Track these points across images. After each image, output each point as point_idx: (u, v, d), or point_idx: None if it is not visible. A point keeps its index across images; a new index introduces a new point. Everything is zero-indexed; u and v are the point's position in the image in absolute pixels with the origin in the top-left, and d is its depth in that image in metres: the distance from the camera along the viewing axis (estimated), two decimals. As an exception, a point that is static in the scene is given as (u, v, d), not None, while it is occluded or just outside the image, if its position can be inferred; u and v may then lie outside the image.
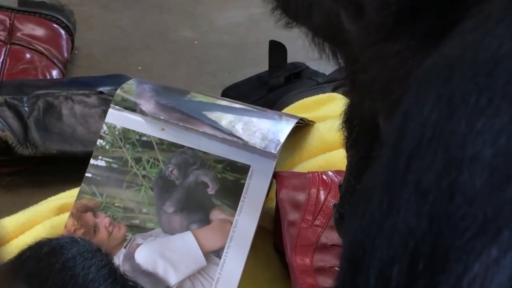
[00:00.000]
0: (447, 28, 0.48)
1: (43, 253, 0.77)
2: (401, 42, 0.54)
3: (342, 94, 0.84)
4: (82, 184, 1.05)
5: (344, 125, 0.83)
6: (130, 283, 0.78)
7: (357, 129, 0.83)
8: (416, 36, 0.53)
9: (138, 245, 1.01)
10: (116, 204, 1.03)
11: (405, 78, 0.50)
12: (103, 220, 1.03)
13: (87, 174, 1.05)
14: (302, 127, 1.18)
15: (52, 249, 0.77)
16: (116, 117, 1.06)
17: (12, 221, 1.07)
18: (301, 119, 1.14)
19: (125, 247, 1.02)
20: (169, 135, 1.04)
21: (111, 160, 1.05)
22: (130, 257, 1.01)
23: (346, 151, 0.86)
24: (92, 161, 1.06)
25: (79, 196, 1.05)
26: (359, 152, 0.83)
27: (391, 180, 0.45)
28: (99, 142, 1.06)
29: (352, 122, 0.81)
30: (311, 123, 1.19)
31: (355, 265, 0.46)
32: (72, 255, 0.77)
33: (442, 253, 0.41)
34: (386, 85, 0.57)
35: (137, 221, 1.02)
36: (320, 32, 0.66)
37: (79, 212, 1.04)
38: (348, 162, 0.86)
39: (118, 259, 1.00)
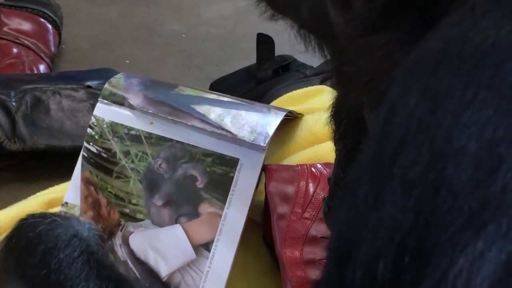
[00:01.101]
0: (433, 20, 0.48)
1: (19, 246, 0.78)
2: (388, 34, 0.54)
3: (330, 86, 0.84)
4: (82, 159, 1.05)
5: (332, 118, 0.83)
6: (107, 268, 0.78)
7: (345, 122, 0.83)
8: (402, 28, 0.53)
9: (130, 233, 1.01)
10: (109, 189, 1.03)
11: (391, 71, 0.50)
12: (102, 199, 1.04)
13: (83, 153, 1.05)
14: (291, 119, 1.18)
15: (28, 242, 0.78)
16: (104, 111, 1.06)
17: (0, 217, 1.07)
18: (290, 111, 1.14)
19: (121, 230, 1.02)
20: (158, 129, 1.04)
21: (100, 149, 1.04)
22: (125, 242, 1.01)
23: (334, 144, 0.86)
24: (85, 144, 1.05)
25: (83, 168, 1.05)
26: (347, 145, 0.83)
27: (377, 173, 0.45)
28: (89, 130, 1.05)
29: (340, 115, 0.81)
30: (299, 115, 1.19)
31: (341, 258, 0.46)
32: (46, 247, 0.77)
33: (428, 247, 0.42)
34: (372, 78, 0.57)
35: (127, 210, 1.02)
36: (306, 25, 0.66)
37: (85, 183, 1.04)
38: (336, 155, 0.86)
39: (118, 240, 1.01)
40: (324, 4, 0.59)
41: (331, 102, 0.82)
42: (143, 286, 0.82)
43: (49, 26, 1.49)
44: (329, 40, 0.64)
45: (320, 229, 0.99)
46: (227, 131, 1.00)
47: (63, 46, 1.55)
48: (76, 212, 1.03)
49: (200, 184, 1.01)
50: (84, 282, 0.75)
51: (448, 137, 0.42)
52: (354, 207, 0.46)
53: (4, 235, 1.04)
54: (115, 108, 1.06)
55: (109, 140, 1.04)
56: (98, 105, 1.06)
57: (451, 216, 0.41)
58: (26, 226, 0.80)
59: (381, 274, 0.43)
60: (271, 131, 1.02)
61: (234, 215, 0.99)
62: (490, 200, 0.40)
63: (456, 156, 0.42)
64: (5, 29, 1.45)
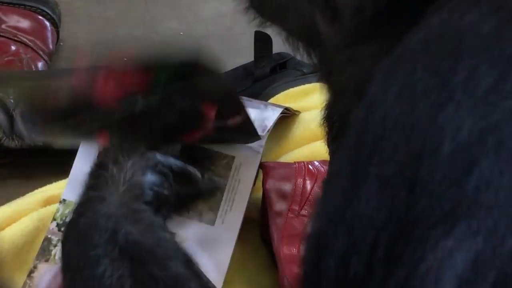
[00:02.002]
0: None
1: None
2: (376, 44, 0.55)
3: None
4: None
5: (325, 121, 0.83)
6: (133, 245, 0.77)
7: (336, 125, 0.83)
8: (391, 38, 0.54)
9: None
10: None
11: None
12: None
13: None
14: (288, 117, 1.18)
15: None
16: None
17: (-2, 214, 1.07)
18: (287, 108, 1.14)
19: None
20: None
21: None
22: None
23: (328, 147, 0.87)
24: None
25: None
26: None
27: (354, 170, 0.46)
28: None
29: (332, 118, 0.82)
30: (296, 113, 1.19)
31: (318, 251, 0.47)
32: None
33: (400, 244, 0.42)
34: (360, 87, 0.58)
35: None
36: (294, 33, 0.67)
37: None
38: (330, 156, 0.87)
39: None
40: (312, 15, 0.59)
41: (323, 104, 0.82)
42: None
43: (47, 23, 1.49)
44: (316, 49, 0.65)
45: (317, 226, 1.00)
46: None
47: (61, 44, 1.55)
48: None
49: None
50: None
51: (423, 137, 0.43)
52: (332, 203, 0.47)
53: (1, 232, 1.04)
54: None
55: None
56: None
57: (424, 215, 0.42)
58: None
59: (354, 269, 0.44)
60: (268, 128, 1.02)
61: (232, 212, 1.00)
62: (462, 201, 0.41)
63: (431, 156, 0.42)
64: (3, 26, 1.45)
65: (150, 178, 0.85)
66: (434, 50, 0.45)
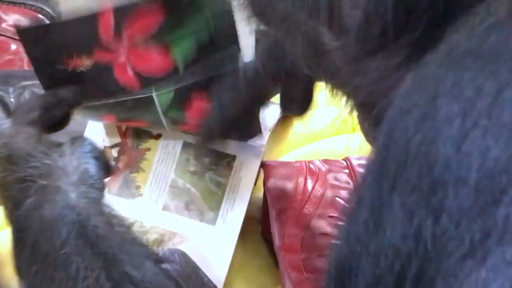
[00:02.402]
0: (429, 43, 0.47)
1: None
2: (383, 57, 0.54)
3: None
4: None
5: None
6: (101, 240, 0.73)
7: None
8: (398, 51, 0.53)
9: None
10: None
11: (386, 92, 0.49)
12: None
13: None
14: (289, 116, 1.18)
15: (26, 212, 0.73)
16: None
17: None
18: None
19: None
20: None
21: None
22: None
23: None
24: None
25: None
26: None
27: (377, 200, 0.45)
28: None
29: None
30: (297, 112, 1.19)
31: (341, 284, 0.46)
32: (35, 233, 0.72)
33: (429, 276, 0.41)
34: (367, 98, 0.57)
35: None
36: (298, 44, 0.66)
37: None
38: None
39: None
40: (316, 28, 0.58)
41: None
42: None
43: (47, 22, 1.49)
44: (322, 59, 0.64)
45: (318, 225, 0.99)
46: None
47: (62, 43, 1.55)
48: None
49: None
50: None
51: (448, 165, 0.41)
52: (354, 233, 0.46)
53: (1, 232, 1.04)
54: None
55: None
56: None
57: (453, 245, 0.41)
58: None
59: None
60: (269, 127, 1.02)
61: (233, 211, 1.00)
62: (493, 230, 0.40)
63: (457, 185, 0.41)
64: (3, 25, 1.45)
65: (95, 164, 0.81)
66: (455, 75, 0.43)
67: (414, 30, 0.51)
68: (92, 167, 0.80)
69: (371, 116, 0.56)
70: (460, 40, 0.45)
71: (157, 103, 0.91)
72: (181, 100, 0.91)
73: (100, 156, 0.82)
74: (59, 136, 1.22)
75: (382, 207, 0.44)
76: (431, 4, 0.48)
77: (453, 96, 0.43)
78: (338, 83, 0.63)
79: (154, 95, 0.90)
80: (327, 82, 0.68)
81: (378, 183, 0.45)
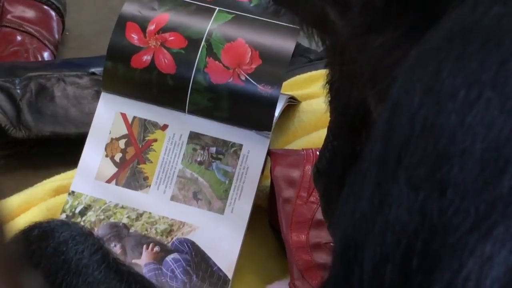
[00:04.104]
0: (432, 19, 0.47)
1: (34, 236, 0.76)
2: (387, 33, 0.54)
3: (327, 74, 0.84)
4: None
5: (327, 85, 0.82)
6: (124, 268, 0.77)
7: (337, 86, 0.83)
8: (401, 27, 0.53)
9: None
10: None
11: (392, 68, 0.49)
12: None
13: None
14: (294, 105, 1.18)
15: (43, 232, 0.76)
16: (110, 101, 1.06)
17: (7, 204, 1.07)
18: (292, 97, 1.14)
19: None
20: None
21: None
22: None
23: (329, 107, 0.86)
24: None
25: None
26: (337, 109, 0.82)
27: (382, 175, 0.45)
28: None
29: (345, 106, 0.81)
30: (299, 101, 1.19)
31: (347, 261, 0.46)
32: (64, 238, 0.75)
33: (436, 249, 0.41)
34: (374, 75, 0.57)
35: None
36: (307, 22, 0.66)
37: None
38: (330, 120, 0.86)
39: None
40: (323, 6, 0.59)
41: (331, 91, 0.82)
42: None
43: (53, 13, 1.48)
44: (329, 37, 0.64)
45: (326, 213, 1.00)
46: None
47: (67, 33, 1.55)
48: (83, 200, 1.04)
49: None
50: (103, 278, 0.74)
51: (453, 138, 0.42)
52: (359, 210, 0.46)
53: (10, 223, 1.05)
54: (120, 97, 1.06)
55: None
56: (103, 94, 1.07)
57: (458, 218, 0.41)
58: (37, 226, 0.79)
59: (389, 278, 0.43)
60: (274, 116, 1.02)
61: (241, 200, 1.00)
62: (498, 202, 0.40)
63: (462, 157, 0.41)
64: (8, 16, 1.45)
65: None
66: (459, 48, 0.43)
67: (417, 4, 0.51)
68: None
69: (376, 93, 0.57)
70: (463, 12, 0.45)
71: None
72: None
73: None
74: (66, 127, 1.23)
75: (387, 182, 0.44)
76: None
77: (457, 68, 0.43)
78: (346, 60, 0.63)
79: None
80: (335, 59, 0.68)
81: (383, 158, 0.45)
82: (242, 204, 1.00)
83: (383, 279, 0.43)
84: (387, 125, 0.46)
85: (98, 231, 1.00)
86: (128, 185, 1.03)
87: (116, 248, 1.00)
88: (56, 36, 1.48)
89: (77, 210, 1.03)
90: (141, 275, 0.81)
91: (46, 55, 1.43)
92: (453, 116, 0.42)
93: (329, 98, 0.82)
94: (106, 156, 1.05)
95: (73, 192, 1.04)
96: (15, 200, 1.08)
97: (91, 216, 1.02)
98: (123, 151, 1.04)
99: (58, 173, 1.15)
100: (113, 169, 1.04)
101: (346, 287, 0.46)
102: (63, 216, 1.03)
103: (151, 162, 1.03)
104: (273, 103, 1.00)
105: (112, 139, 1.05)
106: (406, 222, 0.43)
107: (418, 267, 0.42)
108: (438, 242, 0.41)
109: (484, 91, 0.42)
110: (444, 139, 0.42)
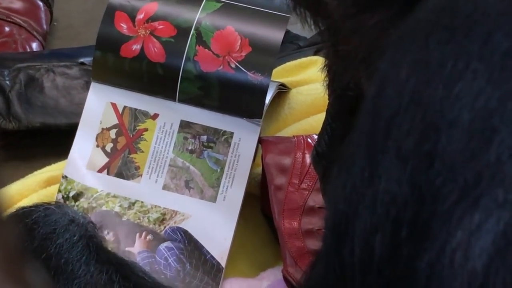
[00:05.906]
0: None
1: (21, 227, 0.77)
2: (380, 13, 0.54)
3: (324, 57, 0.84)
4: None
5: (324, 68, 0.83)
6: (105, 256, 0.78)
7: (334, 69, 0.83)
8: (394, 7, 0.53)
9: None
10: None
11: (385, 48, 0.50)
12: None
13: None
14: (284, 92, 1.18)
15: (24, 228, 0.77)
16: (100, 91, 1.06)
17: (-1, 196, 1.07)
18: (282, 84, 1.14)
19: None
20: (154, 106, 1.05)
21: None
22: None
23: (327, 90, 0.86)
24: None
25: None
26: (336, 91, 0.83)
27: (371, 148, 0.45)
28: None
29: (339, 87, 0.81)
30: (290, 88, 1.19)
31: (338, 234, 0.46)
32: (44, 232, 0.77)
33: (424, 220, 0.42)
34: (368, 55, 0.57)
35: None
36: (301, 3, 0.66)
37: None
38: (328, 102, 0.86)
39: None
40: None
41: (327, 74, 0.82)
42: (143, 270, 0.82)
43: (40, 3, 1.48)
44: (323, 19, 0.64)
45: (317, 199, 1.00)
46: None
47: (55, 23, 1.54)
48: (76, 186, 1.03)
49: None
50: (85, 266, 0.75)
51: (441, 109, 0.42)
52: (350, 183, 0.46)
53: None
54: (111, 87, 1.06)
55: None
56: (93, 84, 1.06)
57: (446, 189, 0.41)
58: (20, 215, 0.79)
59: (379, 249, 0.43)
60: (266, 102, 1.02)
61: (233, 188, 1.00)
62: (485, 171, 0.40)
63: (449, 127, 0.42)
64: (-4, 7, 1.44)
65: None
66: (446, 20, 0.44)
67: None
68: None
69: (370, 73, 0.57)
70: None
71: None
72: None
73: None
74: (56, 118, 1.23)
75: (377, 155, 0.45)
76: None
77: (444, 40, 0.43)
78: (339, 41, 0.63)
79: None
80: (329, 40, 0.68)
81: (372, 130, 0.46)
82: (234, 192, 1.00)
83: (374, 251, 0.44)
84: (376, 98, 0.46)
85: (91, 218, 1.00)
86: (120, 174, 1.03)
87: (109, 236, 1.00)
88: (45, 26, 1.47)
89: (71, 194, 1.03)
90: (125, 261, 0.82)
91: (34, 45, 1.42)
92: (440, 87, 0.42)
93: (327, 81, 0.82)
94: (97, 146, 1.04)
95: (66, 176, 1.04)
96: (6, 192, 1.08)
97: (83, 202, 1.02)
98: (114, 141, 1.04)
99: (49, 164, 1.15)
100: (104, 159, 1.04)
101: (337, 260, 0.46)
102: (59, 196, 1.03)
103: (142, 151, 1.03)
104: (263, 90, 1.00)
105: (102, 129, 1.04)
106: (396, 194, 0.43)
107: (407, 238, 0.42)
108: (426, 213, 0.42)
109: (471, 62, 0.42)
110: (432, 110, 0.42)
